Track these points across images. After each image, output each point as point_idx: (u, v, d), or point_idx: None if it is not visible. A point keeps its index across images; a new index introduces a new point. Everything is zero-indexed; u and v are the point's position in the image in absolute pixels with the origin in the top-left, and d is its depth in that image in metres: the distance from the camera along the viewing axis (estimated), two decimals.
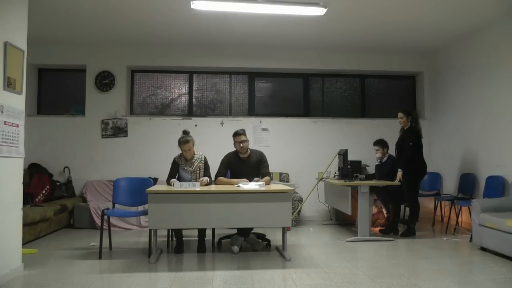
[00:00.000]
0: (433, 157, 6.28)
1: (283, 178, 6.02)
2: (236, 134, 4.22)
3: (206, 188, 3.80)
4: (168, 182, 4.09)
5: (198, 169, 4.19)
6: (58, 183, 5.78)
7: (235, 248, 3.97)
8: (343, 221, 5.85)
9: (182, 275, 3.26)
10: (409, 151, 4.73)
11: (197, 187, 3.71)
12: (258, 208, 3.65)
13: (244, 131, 4.28)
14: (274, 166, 5.56)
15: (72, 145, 6.01)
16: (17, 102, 3.26)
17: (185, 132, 4.19)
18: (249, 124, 6.17)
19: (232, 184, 4.02)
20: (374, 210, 5.42)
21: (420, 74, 6.74)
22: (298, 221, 5.71)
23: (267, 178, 4.15)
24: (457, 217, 5.39)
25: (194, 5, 4.47)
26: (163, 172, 4.52)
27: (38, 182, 5.48)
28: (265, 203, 3.65)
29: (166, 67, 6.35)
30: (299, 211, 5.66)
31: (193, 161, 4.19)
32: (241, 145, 4.19)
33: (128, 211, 4.42)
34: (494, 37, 5.05)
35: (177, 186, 3.70)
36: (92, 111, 6.08)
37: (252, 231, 4.25)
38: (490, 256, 3.86)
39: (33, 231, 4.44)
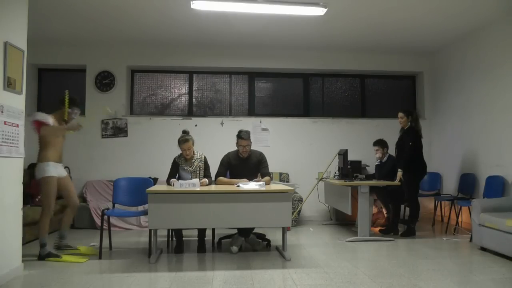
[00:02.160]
0: (433, 157, 6.28)
1: (283, 178, 6.02)
2: (240, 137, 4.19)
3: (206, 188, 3.80)
4: (168, 182, 4.10)
5: (198, 169, 4.20)
6: None
7: (234, 248, 3.97)
8: (343, 221, 5.85)
9: (182, 275, 3.26)
10: (409, 151, 4.74)
11: (196, 186, 3.71)
12: (258, 208, 3.65)
13: (249, 134, 4.23)
14: (274, 166, 5.56)
15: (72, 145, 5.98)
16: (17, 102, 3.26)
17: (185, 132, 4.21)
18: (249, 124, 6.17)
19: (232, 184, 4.02)
20: (374, 210, 5.43)
21: (420, 74, 6.74)
22: (298, 221, 5.71)
23: (267, 178, 4.15)
24: (457, 217, 5.39)
25: (194, 5, 4.47)
26: (163, 172, 4.52)
27: (38, 182, 5.46)
28: (265, 203, 3.65)
29: (166, 67, 6.35)
30: (299, 211, 5.66)
31: (193, 161, 4.20)
32: (244, 149, 4.20)
33: (128, 211, 4.42)
34: (494, 37, 5.05)
35: (177, 186, 3.70)
36: (92, 111, 6.08)
37: (252, 231, 4.24)
38: (490, 256, 3.86)
39: (33, 231, 4.43)
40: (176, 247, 4.07)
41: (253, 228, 4.19)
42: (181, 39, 5.84)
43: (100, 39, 5.86)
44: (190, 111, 6.45)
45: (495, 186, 4.74)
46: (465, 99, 5.64)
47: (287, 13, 4.67)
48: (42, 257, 3.72)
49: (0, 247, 3.01)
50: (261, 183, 3.88)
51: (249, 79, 6.58)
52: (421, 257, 3.86)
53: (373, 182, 4.80)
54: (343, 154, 5.04)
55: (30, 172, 5.48)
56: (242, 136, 4.17)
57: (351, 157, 5.22)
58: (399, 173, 4.73)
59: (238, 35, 5.68)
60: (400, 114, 4.94)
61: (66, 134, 4.02)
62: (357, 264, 3.58)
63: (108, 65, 6.14)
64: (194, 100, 6.51)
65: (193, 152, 4.23)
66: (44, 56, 5.99)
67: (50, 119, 3.81)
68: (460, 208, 5.35)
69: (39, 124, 3.76)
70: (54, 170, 3.80)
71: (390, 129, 5.73)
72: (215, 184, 4.22)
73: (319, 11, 4.61)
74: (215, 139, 6.02)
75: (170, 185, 3.95)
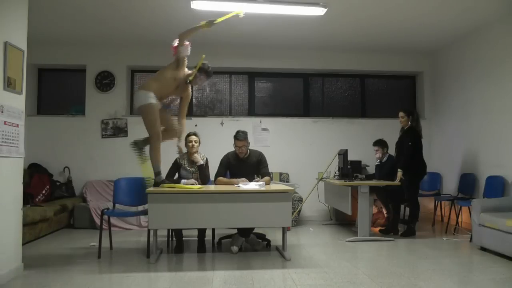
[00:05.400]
0: (433, 157, 6.27)
1: (283, 178, 6.02)
2: (236, 138, 4.20)
3: (206, 188, 3.80)
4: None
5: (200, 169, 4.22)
6: (58, 183, 5.78)
7: (234, 248, 3.97)
8: (343, 221, 5.85)
9: (182, 275, 3.26)
10: (408, 151, 4.74)
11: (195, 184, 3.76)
12: (258, 208, 3.65)
13: (246, 135, 4.23)
14: (274, 166, 5.56)
15: (72, 145, 6.00)
16: (17, 102, 3.26)
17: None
18: (249, 124, 6.17)
19: (232, 184, 4.02)
20: (374, 210, 5.42)
21: (420, 74, 6.74)
22: (298, 221, 5.71)
23: (267, 178, 4.15)
24: (457, 217, 5.39)
25: (194, 5, 4.48)
26: (163, 172, 4.48)
27: (38, 182, 5.47)
28: (265, 203, 3.65)
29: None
30: (299, 211, 5.66)
31: (195, 161, 4.24)
32: (240, 150, 4.20)
33: (128, 211, 4.41)
34: (494, 37, 5.05)
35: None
36: (92, 111, 6.08)
37: (252, 231, 4.24)
38: (490, 256, 3.86)
39: (33, 231, 4.44)
40: (176, 247, 4.07)
41: (253, 228, 4.19)
42: None
43: (100, 39, 5.85)
44: (190, 111, 6.43)
45: (495, 186, 4.74)
46: (465, 99, 5.64)
47: (287, 13, 4.67)
48: (157, 184, 3.68)
49: (0, 247, 3.01)
50: (261, 183, 3.88)
51: (249, 79, 6.58)
52: (421, 257, 3.86)
53: (373, 182, 4.80)
54: (343, 154, 5.04)
55: (30, 172, 5.51)
56: (238, 137, 4.18)
57: (351, 157, 5.22)
58: (399, 173, 4.73)
59: (238, 35, 5.68)
60: (401, 114, 4.94)
61: (177, 88, 3.93)
62: (357, 264, 3.58)
63: (108, 65, 6.14)
64: (194, 100, 6.51)
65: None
66: (44, 56, 5.99)
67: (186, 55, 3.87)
68: (460, 208, 5.35)
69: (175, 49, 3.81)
70: (153, 99, 3.65)
71: (390, 129, 5.73)
72: (215, 184, 4.23)
73: (319, 11, 4.61)
74: (215, 139, 6.02)
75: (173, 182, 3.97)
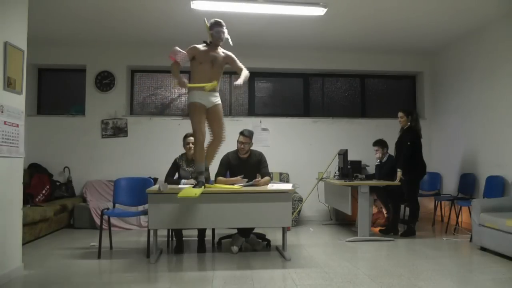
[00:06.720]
0: (433, 157, 6.27)
1: (283, 178, 6.02)
2: (241, 134, 4.25)
3: (206, 188, 3.79)
4: (166, 181, 4.11)
5: None
6: (58, 183, 5.78)
7: (234, 248, 3.97)
8: (343, 221, 5.85)
9: (182, 275, 3.27)
10: (407, 151, 4.74)
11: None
12: (258, 208, 3.65)
13: (251, 134, 4.28)
14: (274, 166, 5.56)
15: (72, 145, 6.00)
16: (17, 102, 3.26)
17: None
18: (249, 124, 6.16)
19: (230, 183, 4.00)
20: (374, 210, 5.42)
21: (420, 74, 6.74)
22: (298, 221, 5.71)
23: (267, 178, 4.15)
24: (457, 217, 5.39)
25: (194, 5, 4.48)
26: (163, 172, 4.51)
27: (38, 182, 5.47)
28: (265, 203, 3.65)
29: (166, 67, 6.29)
30: (299, 211, 5.66)
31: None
32: (242, 146, 4.22)
33: (128, 211, 4.41)
34: (494, 37, 5.05)
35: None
36: (92, 111, 6.08)
37: (252, 231, 4.24)
38: (490, 256, 3.86)
39: (33, 231, 4.44)
40: (176, 247, 4.07)
41: (253, 228, 4.20)
42: (181, 39, 5.81)
43: (100, 39, 5.85)
44: None
45: (495, 186, 4.74)
46: (465, 99, 5.64)
47: (287, 13, 4.67)
48: (195, 185, 3.56)
49: (0, 247, 3.01)
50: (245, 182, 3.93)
51: (249, 79, 6.55)
52: (421, 257, 3.86)
53: (373, 182, 4.80)
54: (343, 154, 5.04)
55: (30, 172, 5.51)
56: (243, 133, 4.24)
57: (351, 157, 5.22)
58: (399, 173, 4.73)
59: (238, 35, 5.65)
60: (400, 114, 4.95)
61: (212, 61, 3.84)
62: (357, 264, 3.58)
63: (108, 65, 6.14)
64: None
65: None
66: (44, 56, 5.98)
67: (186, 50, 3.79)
68: (460, 208, 5.35)
69: (173, 57, 3.76)
70: (197, 97, 3.64)
71: (390, 129, 5.72)
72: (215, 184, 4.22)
73: (319, 11, 4.61)
74: None
75: (173, 183, 3.97)
